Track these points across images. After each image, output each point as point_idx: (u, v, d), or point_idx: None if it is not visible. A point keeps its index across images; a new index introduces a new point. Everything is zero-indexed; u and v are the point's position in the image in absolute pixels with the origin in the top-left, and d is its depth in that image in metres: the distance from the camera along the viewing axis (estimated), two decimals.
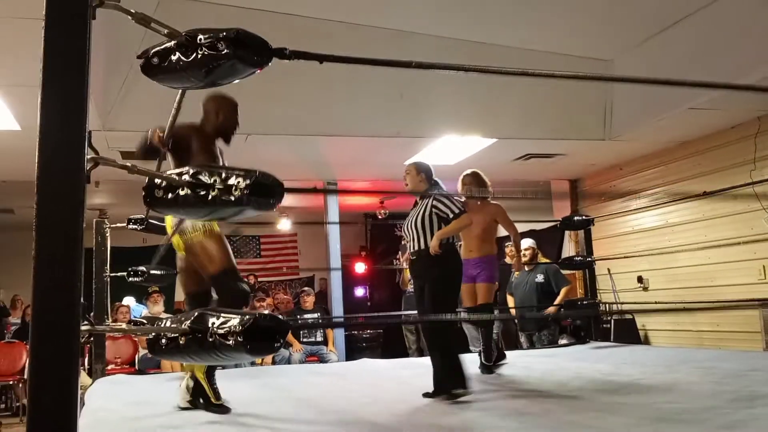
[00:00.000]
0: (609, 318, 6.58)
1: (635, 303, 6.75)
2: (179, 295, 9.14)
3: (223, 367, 4.20)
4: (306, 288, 8.03)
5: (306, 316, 7.20)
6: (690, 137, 6.24)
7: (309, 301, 7.34)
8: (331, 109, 5.19)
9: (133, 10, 1.40)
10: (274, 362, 6.43)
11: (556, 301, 5.98)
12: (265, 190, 1.35)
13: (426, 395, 3.42)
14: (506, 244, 5.95)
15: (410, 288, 5.71)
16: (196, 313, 1.33)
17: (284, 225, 10.70)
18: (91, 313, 4.58)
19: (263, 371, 5.18)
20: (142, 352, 6.65)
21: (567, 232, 7.88)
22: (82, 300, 1.18)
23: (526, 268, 6.05)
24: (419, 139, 5.85)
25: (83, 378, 4.69)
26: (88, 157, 1.23)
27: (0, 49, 3.82)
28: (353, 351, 7.80)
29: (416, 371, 4.13)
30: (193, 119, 3.14)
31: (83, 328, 1.20)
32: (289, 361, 6.67)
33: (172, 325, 1.35)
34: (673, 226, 6.59)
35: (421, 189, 3.80)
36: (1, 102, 4.56)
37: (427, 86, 5.11)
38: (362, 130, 5.53)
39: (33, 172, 1.17)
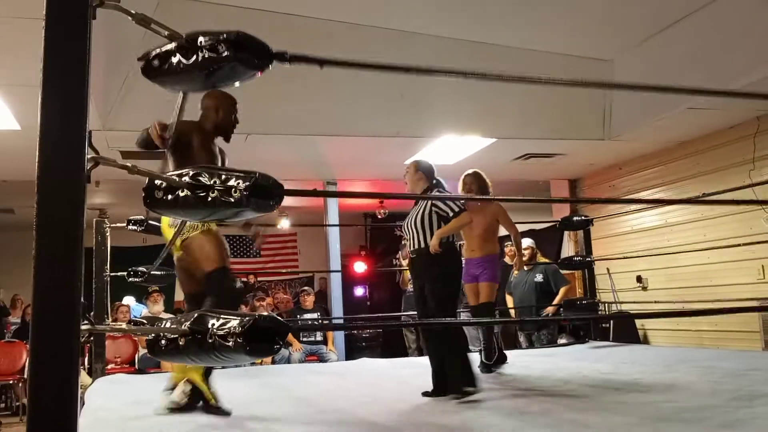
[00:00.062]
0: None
1: (634, 302, 6.74)
2: (179, 295, 9.13)
3: (223, 367, 4.20)
4: (306, 287, 8.04)
5: (306, 315, 7.21)
6: (689, 137, 6.25)
7: (309, 300, 7.36)
8: (331, 108, 5.19)
9: (133, 11, 1.39)
10: (273, 362, 6.43)
11: (555, 301, 5.98)
12: (265, 191, 1.35)
13: (425, 394, 3.43)
14: (506, 243, 5.96)
15: (410, 288, 5.71)
16: (195, 314, 1.33)
17: (284, 224, 10.69)
18: (91, 313, 4.57)
19: (263, 370, 5.18)
20: (142, 351, 6.64)
21: (566, 232, 7.88)
22: (82, 299, 1.19)
23: (525, 268, 6.06)
24: (419, 139, 5.86)
25: (83, 377, 4.69)
26: (89, 156, 1.23)
27: (0, 49, 3.81)
28: (353, 350, 7.82)
29: (416, 370, 4.13)
30: (191, 117, 3.12)
31: (83, 327, 1.20)
32: (288, 361, 6.68)
33: (172, 326, 1.35)
34: (672, 225, 6.59)
35: (419, 188, 3.81)
36: (1, 102, 4.55)
37: (427, 86, 5.11)
38: (362, 130, 5.53)
39: (33, 172, 1.16)
